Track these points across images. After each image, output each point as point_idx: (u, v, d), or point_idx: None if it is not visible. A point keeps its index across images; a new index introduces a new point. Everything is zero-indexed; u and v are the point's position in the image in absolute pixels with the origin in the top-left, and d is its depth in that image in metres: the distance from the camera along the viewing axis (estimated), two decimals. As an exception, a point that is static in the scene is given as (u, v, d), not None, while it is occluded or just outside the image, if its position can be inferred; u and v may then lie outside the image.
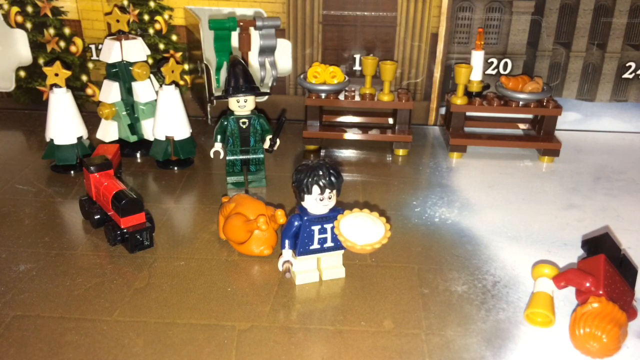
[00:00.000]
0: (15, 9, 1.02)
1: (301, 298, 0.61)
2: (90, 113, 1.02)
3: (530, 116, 1.02)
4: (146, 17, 1.01)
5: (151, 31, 1.02)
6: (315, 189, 0.58)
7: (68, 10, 1.02)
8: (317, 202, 0.59)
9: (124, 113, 0.92)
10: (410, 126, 0.96)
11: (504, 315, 0.59)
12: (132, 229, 0.67)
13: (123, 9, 0.97)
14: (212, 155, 0.83)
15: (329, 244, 0.62)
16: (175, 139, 0.87)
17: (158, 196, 0.82)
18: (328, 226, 0.61)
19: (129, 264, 0.66)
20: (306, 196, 0.59)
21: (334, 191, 0.59)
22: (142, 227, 0.68)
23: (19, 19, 1.03)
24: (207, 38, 0.96)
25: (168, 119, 0.87)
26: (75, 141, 0.86)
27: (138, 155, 0.93)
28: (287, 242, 0.61)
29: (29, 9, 1.02)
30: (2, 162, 0.91)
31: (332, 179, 0.58)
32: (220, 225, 0.70)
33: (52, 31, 1.03)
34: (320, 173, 0.58)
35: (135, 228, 0.67)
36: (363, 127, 0.99)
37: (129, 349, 0.53)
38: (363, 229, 0.58)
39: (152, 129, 0.89)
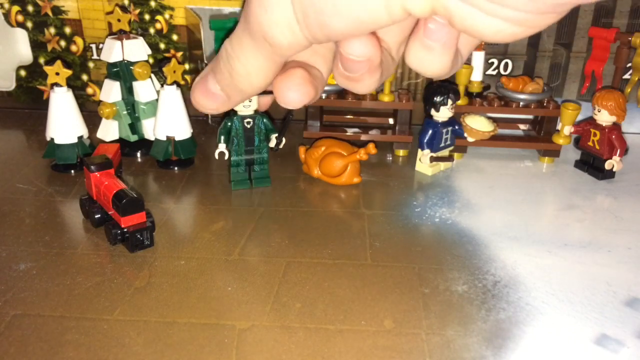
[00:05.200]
0: (15, 8, 1.02)
1: (301, 297, 0.61)
2: (91, 112, 1.02)
3: (530, 117, 1.02)
4: (147, 17, 1.01)
5: (152, 31, 1.02)
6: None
7: (69, 9, 1.02)
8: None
9: (125, 112, 0.92)
10: (410, 126, 0.96)
11: (505, 315, 0.59)
12: (132, 229, 0.67)
13: (124, 9, 0.97)
14: (217, 157, 0.82)
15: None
16: (176, 139, 0.87)
17: (158, 196, 0.82)
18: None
19: (130, 263, 0.66)
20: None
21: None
22: (143, 226, 0.68)
23: (20, 18, 1.03)
24: (208, 38, 0.96)
25: (169, 119, 0.87)
26: (75, 140, 0.86)
27: (138, 154, 0.93)
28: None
29: (30, 8, 1.02)
30: (2, 161, 0.91)
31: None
32: (311, 166, 0.86)
33: (52, 30, 1.03)
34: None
35: (135, 227, 0.67)
36: (363, 128, 0.99)
37: (130, 348, 0.53)
38: (481, 123, 0.87)
39: (153, 129, 0.89)
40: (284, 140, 0.83)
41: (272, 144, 0.83)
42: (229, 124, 0.81)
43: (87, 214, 0.74)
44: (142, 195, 0.69)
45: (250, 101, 0.80)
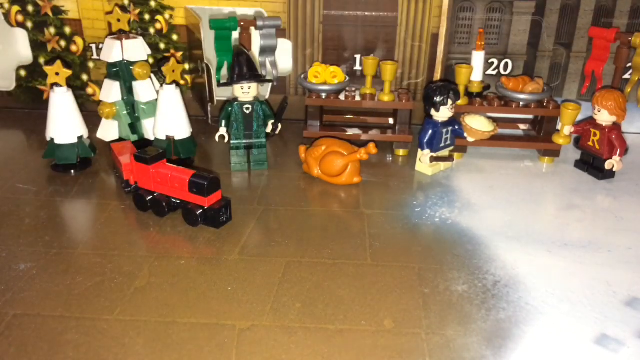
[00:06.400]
0: (15, 8, 1.02)
1: (301, 297, 0.61)
2: (90, 112, 1.02)
3: (530, 117, 1.02)
4: (147, 17, 1.01)
5: (152, 30, 1.02)
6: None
7: (69, 9, 1.02)
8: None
9: (125, 112, 0.92)
10: (410, 126, 0.96)
11: (505, 314, 0.59)
12: (216, 206, 0.72)
13: (124, 8, 0.97)
14: (217, 139, 0.88)
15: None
16: (176, 138, 0.87)
17: (158, 195, 0.82)
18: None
19: (130, 263, 0.66)
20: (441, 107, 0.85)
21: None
22: (222, 203, 0.73)
23: (20, 18, 1.03)
24: (207, 37, 0.96)
25: (168, 119, 0.87)
26: (75, 140, 0.86)
27: (138, 154, 0.93)
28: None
29: (30, 8, 1.02)
30: (2, 161, 0.91)
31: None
32: (311, 165, 0.85)
33: (52, 30, 1.03)
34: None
35: (217, 205, 0.72)
36: (363, 127, 0.99)
37: (130, 348, 0.53)
38: (481, 123, 0.89)
39: (153, 129, 0.89)
40: (279, 125, 0.89)
41: (269, 129, 0.88)
42: (229, 109, 0.86)
43: (145, 206, 0.76)
44: (217, 174, 0.73)
45: (249, 88, 0.84)
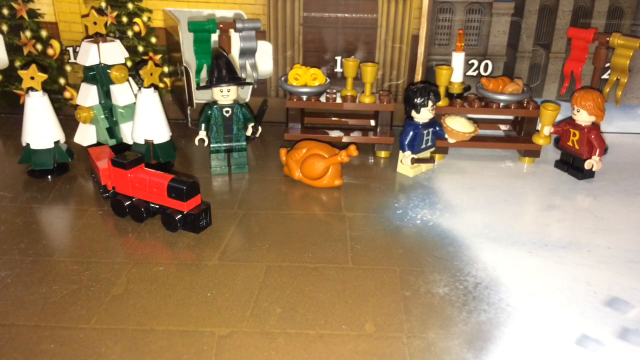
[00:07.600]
0: (-10, 11, 1.00)
1: (282, 302, 0.60)
2: (68, 116, 1.00)
3: (511, 117, 1.02)
4: (124, 19, 1.00)
5: (130, 33, 1.01)
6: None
7: (45, 12, 1.00)
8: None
9: (102, 116, 0.91)
10: (392, 128, 0.96)
11: (486, 317, 0.59)
12: (195, 211, 0.71)
13: (100, 11, 0.96)
14: (196, 143, 0.87)
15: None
16: (155, 142, 0.86)
17: (137, 200, 0.81)
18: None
19: (107, 269, 0.65)
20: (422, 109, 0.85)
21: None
22: (201, 208, 0.72)
23: (-5, 21, 1.01)
24: (186, 40, 0.95)
25: (147, 122, 0.86)
26: (52, 145, 0.85)
27: (117, 159, 0.92)
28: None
29: (5, 11, 1.00)
30: (-23, 167, 0.89)
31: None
32: (292, 168, 0.85)
33: (28, 34, 1.02)
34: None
35: (196, 210, 0.71)
36: (345, 129, 0.98)
37: (106, 357, 0.52)
38: (461, 124, 0.89)
39: (131, 133, 0.88)
40: (260, 128, 0.89)
41: (249, 132, 0.88)
42: (209, 112, 0.86)
43: (124, 212, 0.74)
44: (196, 178, 0.73)
45: (228, 91, 0.84)
